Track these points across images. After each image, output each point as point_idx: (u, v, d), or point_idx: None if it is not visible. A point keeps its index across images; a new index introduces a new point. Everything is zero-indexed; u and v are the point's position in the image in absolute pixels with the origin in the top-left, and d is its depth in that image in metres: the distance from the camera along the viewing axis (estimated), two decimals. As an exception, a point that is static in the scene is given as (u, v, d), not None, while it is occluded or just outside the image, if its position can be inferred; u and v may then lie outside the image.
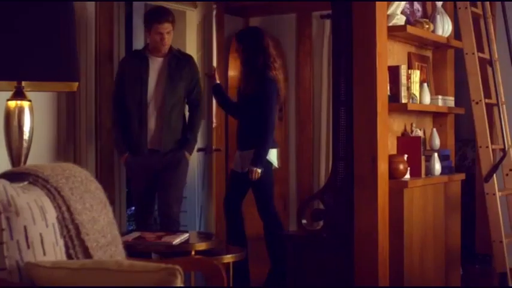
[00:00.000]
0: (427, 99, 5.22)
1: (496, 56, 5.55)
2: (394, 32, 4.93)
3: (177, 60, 5.37)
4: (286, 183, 7.83)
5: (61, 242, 2.96)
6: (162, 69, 5.34)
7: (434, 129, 5.48)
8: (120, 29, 5.89)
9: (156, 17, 5.26)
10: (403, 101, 4.95)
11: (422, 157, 5.12)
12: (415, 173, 5.07)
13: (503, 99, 5.50)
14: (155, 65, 5.35)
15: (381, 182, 4.69)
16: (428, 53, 5.61)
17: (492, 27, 5.59)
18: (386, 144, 4.81)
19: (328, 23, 7.53)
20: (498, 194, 5.14)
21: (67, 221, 3.02)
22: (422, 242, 5.08)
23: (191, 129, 5.45)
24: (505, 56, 5.51)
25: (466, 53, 5.20)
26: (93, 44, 5.59)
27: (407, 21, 5.10)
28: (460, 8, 5.22)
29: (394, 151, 5.09)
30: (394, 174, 4.86)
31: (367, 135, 4.70)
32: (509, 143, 5.45)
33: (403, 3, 4.98)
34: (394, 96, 4.94)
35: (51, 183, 3.06)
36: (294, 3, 7.51)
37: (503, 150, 5.23)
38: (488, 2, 5.56)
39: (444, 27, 5.36)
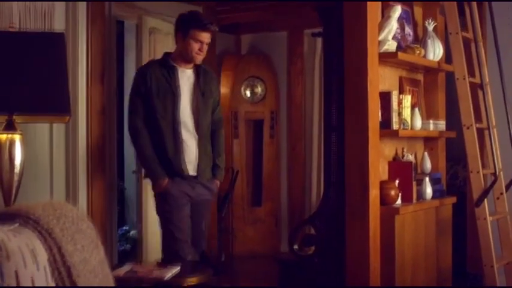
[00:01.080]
0: (418, 124, 5.22)
1: (487, 79, 5.57)
2: (386, 58, 4.93)
3: (204, 73, 4.85)
4: (277, 201, 7.85)
5: (52, 285, 2.95)
6: (193, 83, 4.78)
7: (426, 153, 5.49)
8: (111, 49, 5.92)
9: (199, 23, 4.68)
10: (395, 127, 4.95)
11: (414, 182, 5.12)
12: (407, 198, 5.07)
13: (494, 123, 5.51)
14: (185, 77, 4.77)
15: (372, 209, 4.70)
16: (420, 77, 5.62)
17: (483, 51, 5.60)
18: (378, 171, 4.81)
19: (319, 41, 7.55)
20: (489, 219, 5.15)
21: (58, 264, 2.99)
22: (413, 267, 5.08)
23: (219, 154, 4.94)
24: (496, 79, 5.53)
25: (457, 78, 5.20)
26: (84, 64, 5.61)
27: (399, 46, 5.10)
28: (451, 33, 5.22)
29: (385, 176, 5.10)
30: (385, 201, 4.86)
31: (359, 162, 4.71)
32: (500, 166, 5.46)
33: (394, 28, 4.98)
34: (386, 122, 4.95)
35: (42, 225, 3.01)
36: (285, 20, 7.53)
37: (494, 174, 5.24)
38: (479, 26, 5.56)
39: (435, 51, 5.37)
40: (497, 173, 5.25)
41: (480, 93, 5.47)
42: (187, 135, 4.70)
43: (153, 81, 4.67)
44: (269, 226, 7.79)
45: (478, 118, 5.43)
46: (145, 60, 5.96)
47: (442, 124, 5.56)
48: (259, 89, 7.77)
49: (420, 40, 5.48)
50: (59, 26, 5.46)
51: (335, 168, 4.96)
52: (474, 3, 5.53)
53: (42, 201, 3.69)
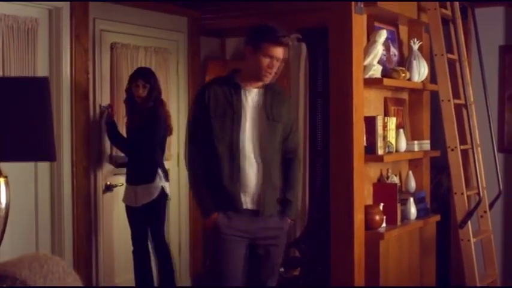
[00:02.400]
0: (403, 145, 5.25)
1: (472, 99, 5.59)
2: (371, 84, 4.94)
3: (273, 94, 4.20)
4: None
5: None
6: (259, 104, 4.15)
7: (410, 172, 5.53)
8: (96, 65, 5.89)
9: (272, 35, 4.03)
10: (379, 151, 4.98)
11: (398, 204, 5.15)
12: (391, 220, 5.11)
13: (478, 142, 5.54)
14: (250, 97, 4.15)
15: (357, 235, 4.74)
16: (405, 95, 5.63)
17: (467, 70, 5.62)
18: (363, 196, 4.84)
19: (304, 46, 7.52)
20: (473, 240, 5.20)
21: (46, 322, 3.02)
22: (397, 279, 5.14)
23: (291, 187, 4.24)
24: (481, 98, 5.57)
25: (442, 100, 5.22)
26: (68, 80, 5.59)
27: (384, 69, 5.11)
28: (436, 55, 5.23)
29: (370, 198, 5.12)
30: (370, 225, 4.90)
31: (343, 188, 4.75)
32: (484, 185, 5.50)
33: (380, 53, 4.98)
34: (371, 147, 4.97)
35: (29, 285, 3.04)
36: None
37: (478, 194, 5.27)
38: (464, 46, 5.58)
39: (420, 71, 5.38)
40: (481, 194, 5.29)
41: (465, 112, 5.48)
42: (247, 163, 4.07)
43: (212, 100, 4.09)
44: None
45: (463, 138, 5.45)
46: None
47: (426, 144, 5.59)
48: (244, 94, 7.74)
49: (405, 59, 5.49)
50: (42, 43, 5.44)
51: (320, 194, 4.99)
52: (459, 23, 5.53)
53: (29, 256, 3.70)
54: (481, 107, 5.61)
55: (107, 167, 6.04)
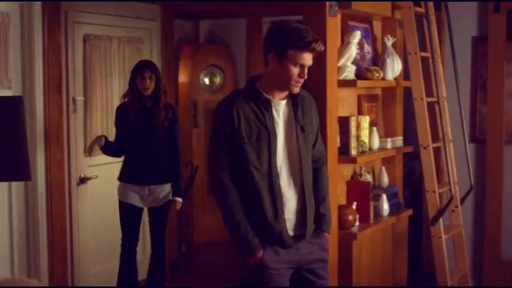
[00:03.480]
0: (376, 143, 5.29)
1: (444, 95, 5.63)
2: (345, 86, 4.96)
3: (302, 101, 3.71)
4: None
5: None
6: (289, 117, 3.65)
7: (383, 168, 5.58)
8: (68, 59, 5.86)
9: (301, 41, 3.46)
10: (353, 152, 5.01)
11: (371, 202, 5.21)
12: (364, 218, 5.17)
13: (450, 138, 5.59)
14: (280, 111, 3.64)
15: (330, 235, 4.75)
16: (378, 91, 5.65)
17: (440, 66, 5.66)
18: (337, 197, 4.89)
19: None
20: (444, 237, 5.28)
21: None
22: (369, 281, 5.22)
23: (323, 198, 3.82)
24: (454, 90, 5.61)
25: (415, 99, 5.26)
26: (41, 74, 5.57)
27: (358, 68, 5.12)
28: (410, 53, 5.26)
29: (343, 196, 5.17)
30: (343, 225, 4.96)
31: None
32: (456, 180, 5.57)
33: (354, 54, 4.99)
34: (344, 147, 5.00)
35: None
36: (244, 7, 7.44)
37: (450, 191, 5.34)
38: (437, 42, 5.60)
39: (394, 68, 5.40)
40: (453, 192, 5.36)
41: (437, 108, 5.52)
42: (287, 188, 3.61)
43: (242, 122, 3.52)
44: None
45: (435, 135, 5.50)
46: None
47: (399, 140, 5.64)
48: (218, 78, 7.75)
49: (379, 56, 5.50)
50: (14, 37, 5.39)
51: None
52: (433, 19, 5.54)
53: (4, 280, 3.73)
54: (454, 99, 5.65)
55: (81, 159, 6.03)
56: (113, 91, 6.25)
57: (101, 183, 6.17)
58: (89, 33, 6.03)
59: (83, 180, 6.04)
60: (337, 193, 4.91)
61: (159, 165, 5.53)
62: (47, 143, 5.65)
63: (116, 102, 6.24)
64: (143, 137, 5.50)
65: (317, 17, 4.72)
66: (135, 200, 5.54)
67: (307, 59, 3.52)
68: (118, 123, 5.63)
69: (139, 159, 5.52)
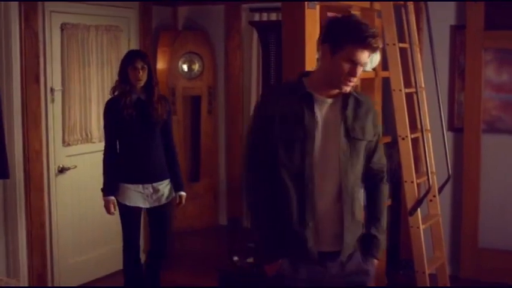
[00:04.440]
0: (355, 134, 5.30)
1: (422, 85, 5.66)
2: (324, 78, 4.95)
3: (356, 104, 3.31)
4: (215, 176, 7.92)
5: None
6: (335, 119, 3.25)
7: (362, 158, 5.59)
8: (45, 48, 5.81)
9: (359, 35, 3.11)
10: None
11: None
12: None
13: (428, 128, 5.62)
14: (324, 110, 3.26)
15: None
16: (357, 82, 5.63)
17: (419, 56, 5.67)
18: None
19: (257, 15, 7.50)
20: (422, 227, 5.32)
21: None
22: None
23: (378, 219, 3.39)
24: (432, 79, 5.63)
25: (394, 90, 5.27)
26: (18, 64, 5.53)
27: (337, 60, 5.11)
28: (388, 45, 5.27)
29: (322, 187, 5.17)
30: (322, 217, 4.96)
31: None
32: (434, 170, 5.61)
33: (332, 46, 4.98)
34: (323, 139, 5.00)
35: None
36: (222, -7, 7.43)
37: (428, 182, 5.37)
38: (415, 33, 5.61)
39: (373, 59, 5.40)
40: (431, 181, 5.39)
41: (415, 98, 5.54)
42: (320, 196, 3.20)
43: (279, 116, 3.20)
44: (208, 201, 7.88)
45: (413, 125, 5.52)
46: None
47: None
48: (196, 65, 7.72)
49: (358, 47, 5.49)
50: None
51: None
52: (411, 9, 5.56)
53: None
54: (432, 88, 5.66)
55: (59, 149, 6.00)
56: (91, 80, 6.21)
57: (79, 173, 6.14)
58: (66, 22, 5.98)
59: (61, 171, 6.00)
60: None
61: (159, 160, 5.27)
62: (25, 133, 5.62)
63: (95, 91, 6.24)
64: (141, 132, 5.19)
65: (296, 9, 4.70)
66: (139, 201, 5.22)
67: (362, 56, 3.14)
68: (110, 120, 5.24)
69: (138, 156, 5.20)
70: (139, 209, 5.26)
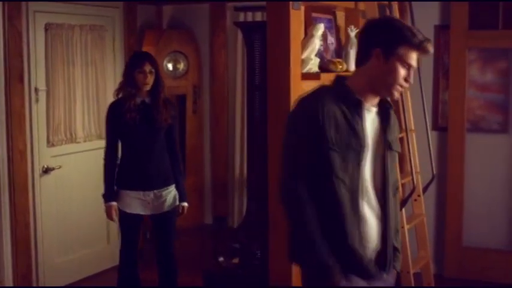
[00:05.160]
0: (339, 134, 5.31)
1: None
2: (309, 79, 4.95)
3: (389, 113, 3.16)
4: (201, 175, 7.92)
5: None
6: (377, 129, 3.10)
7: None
8: (29, 48, 5.80)
9: (415, 38, 2.94)
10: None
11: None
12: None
13: (412, 128, 5.64)
14: (370, 119, 3.08)
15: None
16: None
17: (403, 56, 5.67)
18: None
19: (242, 15, 7.50)
20: (406, 227, 5.33)
21: None
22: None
23: (397, 231, 3.24)
24: (416, 83, 5.63)
25: (378, 90, 5.28)
26: (2, 64, 5.52)
27: (321, 61, 5.12)
28: (372, 45, 5.27)
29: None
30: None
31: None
32: (418, 170, 5.62)
33: (317, 47, 4.99)
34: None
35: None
36: (207, -8, 7.42)
37: (412, 182, 5.39)
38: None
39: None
40: (415, 181, 5.41)
41: (399, 98, 5.56)
42: (368, 210, 3.04)
43: (331, 123, 2.95)
44: (193, 200, 7.84)
45: (399, 122, 5.53)
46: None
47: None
48: (181, 64, 7.71)
49: (343, 46, 5.51)
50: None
51: (257, 185, 5.04)
52: (395, 8, 5.57)
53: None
54: (416, 88, 5.67)
55: (44, 150, 5.99)
56: (75, 80, 6.20)
57: (64, 174, 6.14)
58: (51, 21, 5.96)
59: (46, 171, 5.99)
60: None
61: (163, 166, 5.10)
62: (9, 133, 5.61)
63: (79, 91, 6.22)
64: (144, 136, 5.03)
65: (280, 9, 4.70)
66: (139, 209, 5.07)
67: (415, 60, 2.98)
68: (112, 123, 5.08)
69: (141, 162, 5.03)
70: (139, 216, 5.10)
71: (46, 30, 5.93)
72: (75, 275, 6.31)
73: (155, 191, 5.06)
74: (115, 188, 5.08)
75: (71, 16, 6.16)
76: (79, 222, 6.30)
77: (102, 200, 5.07)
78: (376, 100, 3.08)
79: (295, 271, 4.81)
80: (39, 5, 5.84)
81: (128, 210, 5.06)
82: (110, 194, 5.05)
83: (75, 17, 6.21)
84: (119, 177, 5.09)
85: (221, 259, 5.22)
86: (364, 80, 3.05)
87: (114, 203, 5.04)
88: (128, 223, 5.12)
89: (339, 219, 2.97)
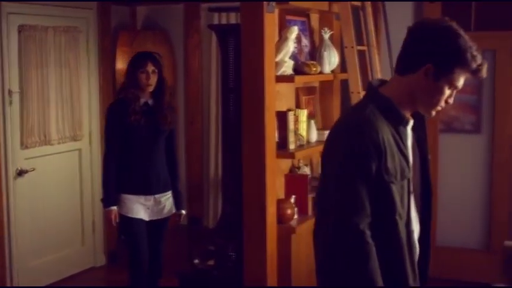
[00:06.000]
0: (314, 136, 5.34)
1: (381, 86, 5.70)
2: (283, 81, 4.97)
3: (421, 119, 2.82)
4: (176, 176, 7.88)
5: None
6: (414, 143, 2.81)
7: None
8: (3, 50, 5.77)
9: (475, 63, 2.61)
10: (291, 146, 5.03)
11: (309, 196, 5.26)
12: (303, 210, 5.22)
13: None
14: (409, 136, 2.74)
15: (269, 230, 4.82)
16: (316, 83, 5.69)
17: (377, 58, 5.71)
18: (275, 191, 4.91)
19: (217, 16, 7.50)
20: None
21: None
22: (308, 276, 5.28)
23: None
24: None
25: (352, 92, 5.30)
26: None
27: (296, 63, 5.14)
28: (346, 47, 5.30)
29: (282, 189, 5.21)
30: (282, 219, 5.00)
31: (256, 183, 4.78)
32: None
33: (291, 50, 5.01)
34: (282, 141, 5.02)
35: None
36: (181, -7, 7.41)
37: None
38: (373, 34, 5.66)
39: (331, 61, 5.43)
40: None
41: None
42: (416, 236, 2.80)
43: (388, 152, 2.56)
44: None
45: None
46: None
47: (336, 132, 5.68)
48: (156, 65, 7.68)
49: (317, 48, 5.53)
50: None
51: (233, 188, 5.04)
52: (369, 11, 5.60)
53: None
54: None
55: (17, 152, 5.96)
56: (49, 82, 6.18)
57: (38, 176, 6.12)
58: (24, 23, 5.95)
59: (20, 173, 5.97)
60: (275, 189, 4.93)
61: (163, 171, 5.02)
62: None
63: (53, 93, 6.20)
64: (146, 140, 4.91)
65: (255, 12, 4.71)
66: (141, 214, 4.95)
67: (463, 83, 2.66)
68: (114, 124, 4.90)
69: (142, 166, 4.92)
70: (142, 220, 4.96)
71: (19, 32, 5.91)
72: (49, 277, 6.30)
73: (155, 196, 4.98)
74: (121, 195, 4.93)
75: (44, 18, 6.14)
76: (53, 225, 6.29)
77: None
78: (409, 113, 2.72)
79: (270, 273, 4.84)
80: (12, 7, 5.81)
81: (131, 215, 4.91)
82: (110, 199, 4.90)
83: (49, 18, 6.19)
84: (118, 180, 4.91)
85: (196, 261, 5.21)
86: (406, 92, 2.66)
87: (115, 208, 4.88)
88: (135, 228, 4.95)
89: (398, 260, 2.65)
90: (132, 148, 4.89)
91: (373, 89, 2.74)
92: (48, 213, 6.23)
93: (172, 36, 7.76)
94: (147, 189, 4.93)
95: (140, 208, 4.93)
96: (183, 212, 5.18)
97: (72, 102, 6.39)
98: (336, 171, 2.58)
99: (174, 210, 5.10)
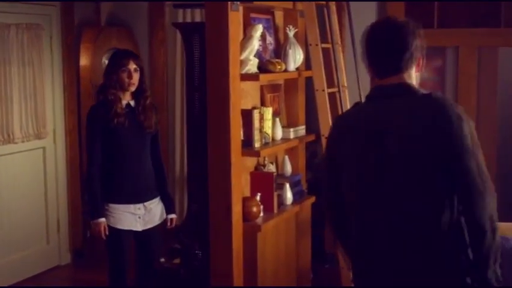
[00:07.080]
0: (279, 133, 5.36)
1: (345, 84, 5.74)
2: (248, 80, 4.98)
3: None
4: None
5: None
6: None
7: (286, 157, 5.65)
8: None
9: None
10: (256, 144, 5.04)
11: (275, 193, 5.27)
12: (268, 208, 5.24)
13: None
14: None
15: (235, 228, 4.83)
16: (281, 81, 5.70)
17: (341, 55, 5.74)
18: (241, 190, 4.92)
19: (181, 12, 7.48)
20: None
21: None
22: (275, 275, 5.31)
23: None
24: (354, 82, 5.72)
25: (317, 90, 5.33)
26: None
27: (260, 60, 5.15)
28: (311, 45, 5.32)
29: (247, 187, 5.22)
30: (247, 217, 5.01)
31: (221, 181, 4.78)
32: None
33: (256, 48, 5.01)
34: (248, 139, 5.03)
35: None
36: (145, -10, 7.37)
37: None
38: (338, 32, 5.69)
39: (296, 59, 5.45)
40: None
41: (338, 97, 5.62)
42: None
43: None
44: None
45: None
46: None
47: (302, 129, 5.71)
48: (120, 62, 7.64)
49: (281, 46, 5.54)
50: None
51: (198, 187, 5.05)
52: (333, 10, 5.64)
53: None
54: (354, 87, 5.74)
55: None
56: (12, 80, 6.12)
57: (2, 175, 6.08)
58: (-15, 20, 5.88)
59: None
60: (241, 187, 4.94)
61: (151, 176, 4.75)
62: None
63: (16, 91, 6.15)
64: (132, 144, 4.63)
65: (219, 11, 4.71)
66: (133, 224, 4.64)
67: None
68: (96, 129, 4.57)
69: (129, 172, 4.62)
70: (130, 232, 4.65)
71: (-20, 29, 5.84)
72: (14, 276, 6.25)
73: (145, 203, 4.69)
74: (108, 205, 4.61)
75: (6, 15, 6.08)
76: (18, 224, 6.24)
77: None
78: None
79: (236, 271, 4.85)
80: None
81: (120, 226, 4.58)
82: (97, 210, 4.53)
83: (11, 15, 6.13)
84: (103, 189, 4.57)
85: (162, 259, 5.22)
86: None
87: (103, 219, 4.52)
88: (119, 241, 4.61)
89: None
90: (118, 153, 4.59)
91: (409, 85, 2.94)
92: (12, 212, 6.18)
93: (136, 33, 7.71)
94: (136, 197, 4.64)
95: (130, 218, 4.62)
96: (174, 216, 4.93)
97: (36, 100, 6.34)
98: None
99: (165, 216, 4.85)
